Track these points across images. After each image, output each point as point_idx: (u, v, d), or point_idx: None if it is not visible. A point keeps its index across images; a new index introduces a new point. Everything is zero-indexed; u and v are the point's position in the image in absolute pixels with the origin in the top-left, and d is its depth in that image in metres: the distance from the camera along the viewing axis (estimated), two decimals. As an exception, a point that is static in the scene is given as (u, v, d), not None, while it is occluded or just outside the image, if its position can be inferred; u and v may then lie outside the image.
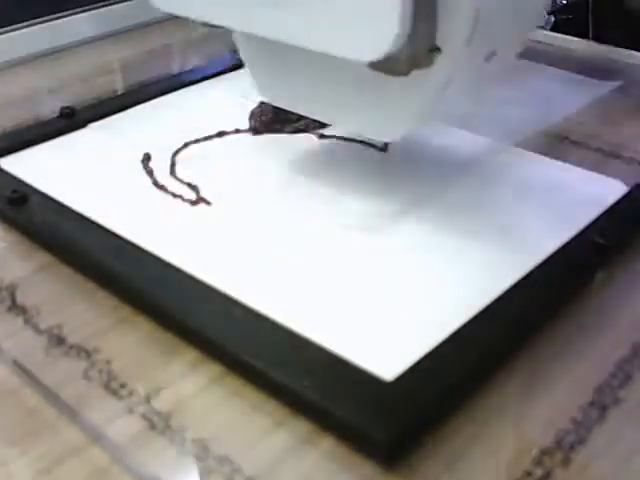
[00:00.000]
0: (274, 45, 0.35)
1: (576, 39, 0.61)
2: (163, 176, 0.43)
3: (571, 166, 0.43)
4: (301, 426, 0.28)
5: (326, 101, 0.40)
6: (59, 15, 0.64)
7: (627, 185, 0.41)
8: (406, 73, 0.33)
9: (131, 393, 0.30)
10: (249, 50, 0.42)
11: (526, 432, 0.28)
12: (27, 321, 0.34)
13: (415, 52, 0.33)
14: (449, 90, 0.36)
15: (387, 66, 0.33)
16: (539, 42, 0.62)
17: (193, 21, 0.38)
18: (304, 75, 0.39)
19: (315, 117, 0.42)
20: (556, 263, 0.35)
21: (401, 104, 0.37)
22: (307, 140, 0.46)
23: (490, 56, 0.37)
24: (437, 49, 0.33)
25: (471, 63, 0.36)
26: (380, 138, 0.42)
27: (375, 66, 0.33)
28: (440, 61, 0.33)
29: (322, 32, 0.33)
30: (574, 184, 0.42)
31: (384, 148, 0.45)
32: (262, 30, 0.35)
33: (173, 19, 0.69)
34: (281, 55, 0.39)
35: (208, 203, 0.40)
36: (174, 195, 0.41)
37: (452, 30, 0.33)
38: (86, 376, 0.31)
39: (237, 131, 0.47)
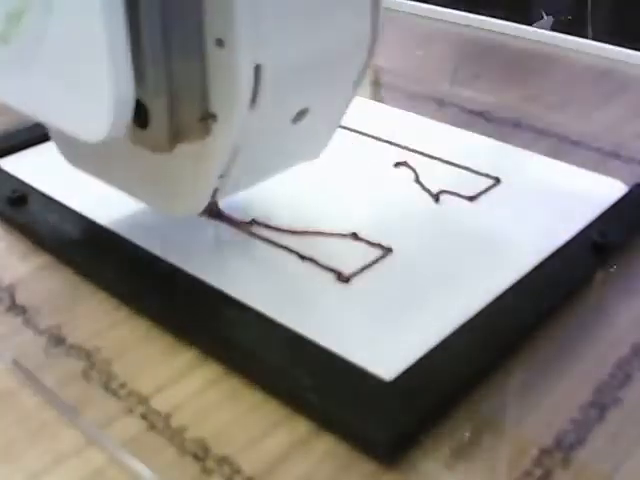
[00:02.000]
0: None
1: (576, 39, 0.61)
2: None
3: (571, 166, 0.43)
4: (301, 426, 0.28)
5: (122, 172, 0.36)
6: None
7: (627, 185, 0.41)
8: (169, 149, 0.29)
9: (131, 393, 0.30)
10: None
11: (526, 432, 0.28)
12: (27, 321, 0.34)
13: (178, 123, 0.28)
14: (244, 159, 0.31)
15: (146, 139, 0.29)
16: (538, 42, 0.62)
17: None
18: (103, 145, 0.31)
19: (116, 188, 0.37)
20: (556, 263, 0.35)
21: (185, 180, 0.32)
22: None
23: (300, 116, 0.32)
24: (211, 116, 0.29)
25: (270, 126, 0.31)
26: (172, 213, 0.36)
27: (133, 140, 0.29)
28: (219, 130, 0.29)
29: (50, 105, 0.29)
30: (574, 184, 0.42)
31: None
32: (7, 97, 0.32)
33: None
34: None
35: (213, 205, 0.40)
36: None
37: (228, 93, 0.28)
38: (86, 376, 0.31)
39: None
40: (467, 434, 0.28)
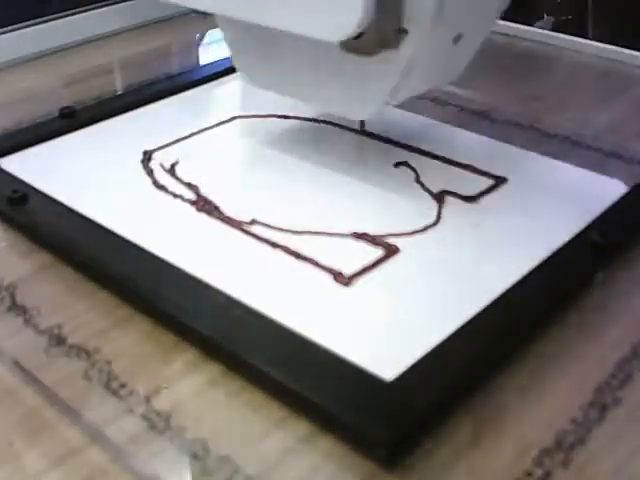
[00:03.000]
0: (256, 30, 0.38)
1: (576, 39, 0.61)
2: (163, 176, 0.43)
3: (571, 166, 0.43)
4: (301, 426, 0.28)
5: (304, 83, 0.42)
6: (59, 15, 0.64)
7: (627, 185, 0.41)
8: (374, 53, 0.36)
9: (131, 393, 0.30)
10: (232, 35, 0.44)
11: (526, 432, 0.28)
12: (27, 321, 0.34)
13: (382, 34, 0.35)
14: (416, 70, 0.38)
15: (356, 47, 0.35)
16: (539, 42, 0.62)
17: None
18: (285, 59, 0.42)
19: (294, 98, 0.44)
20: (556, 263, 0.35)
21: (370, 84, 0.39)
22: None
23: (457, 39, 0.39)
24: (404, 31, 0.36)
25: (438, 45, 0.38)
26: (352, 117, 0.44)
27: (345, 47, 0.36)
28: (407, 42, 0.36)
29: (294, 13, 0.35)
30: (574, 184, 0.42)
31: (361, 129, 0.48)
32: (238, 12, 0.38)
33: (172, 19, 0.69)
34: (263, 40, 0.41)
35: (213, 206, 0.40)
36: (174, 195, 0.41)
37: (417, 13, 0.35)
38: (86, 376, 0.31)
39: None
40: (467, 434, 0.28)
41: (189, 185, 0.42)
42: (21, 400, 0.30)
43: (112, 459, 0.27)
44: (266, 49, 0.42)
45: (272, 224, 0.38)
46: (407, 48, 0.36)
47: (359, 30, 0.34)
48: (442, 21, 0.36)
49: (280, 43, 0.41)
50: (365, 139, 0.47)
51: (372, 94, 0.39)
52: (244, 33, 0.43)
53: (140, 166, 0.44)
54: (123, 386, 0.30)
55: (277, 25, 0.37)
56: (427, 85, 0.43)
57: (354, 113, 0.42)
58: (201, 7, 0.41)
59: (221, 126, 0.49)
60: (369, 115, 0.42)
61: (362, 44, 0.35)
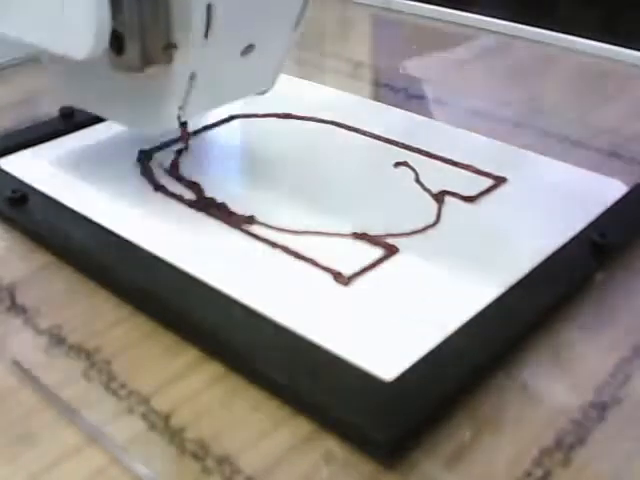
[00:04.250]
0: None
1: (576, 39, 0.61)
2: (162, 176, 0.43)
3: (571, 166, 0.43)
4: (301, 426, 0.28)
5: (102, 99, 0.41)
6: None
7: (627, 185, 0.41)
8: (141, 70, 0.35)
9: (131, 393, 0.30)
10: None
11: (526, 432, 0.28)
12: (27, 321, 0.34)
13: (147, 49, 0.35)
14: (201, 84, 0.37)
15: (122, 63, 0.35)
16: (539, 42, 0.62)
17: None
18: (85, 74, 0.40)
19: (97, 114, 0.43)
20: (556, 263, 0.35)
21: (153, 100, 0.38)
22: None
23: (248, 50, 0.39)
24: (173, 46, 0.35)
25: (221, 58, 0.38)
26: (147, 132, 0.43)
27: (112, 63, 0.35)
28: (179, 57, 0.35)
29: (39, 27, 0.35)
30: (574, 184, 0.42)
31: None
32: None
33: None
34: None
35: (212, 205, 0.40)
36: (173, 195, 0.41)
37: (186, 26, 0.34)
38: (86, 376, 0.31)
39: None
40: (467, 434, 0.28)
41: (188, 185, 0.42)
42: (21, 400, 0.30)
43: (112, 459, 0.27)
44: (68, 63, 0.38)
45: (272, 224, 0.38)
46: (180, 63, 0.36)
47: (98, 49, 0.33)
48: (220, 33, 0.35)
49: None
50: (365, 139, 0.47)
51: (158, 110, 0.39)
52: None
53: (139, 166, 0.44)
54: (123, 386, 0.30)
55: (20, 37, 0.36)
56: (223, 99, 0.42)
57: (148, 129, 0.41)
58: None
59: (220, 126, 0.49)
60: (161, 130, 0.42)
61: (127, 61, 0.35)
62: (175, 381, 0.30)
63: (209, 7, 0.35)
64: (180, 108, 0.38)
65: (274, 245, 0.37)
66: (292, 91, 0.52)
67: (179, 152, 0.45)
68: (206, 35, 0.35)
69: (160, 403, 0.29)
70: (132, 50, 0.34)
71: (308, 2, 0.40)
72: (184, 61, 0.36)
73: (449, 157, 0.44)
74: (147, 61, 0.35)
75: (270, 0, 0.38)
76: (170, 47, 0.35)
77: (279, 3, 0.39)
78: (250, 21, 0.38)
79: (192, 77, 0.37)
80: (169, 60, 0.35)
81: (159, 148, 0.45)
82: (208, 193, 0.41)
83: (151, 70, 0.35)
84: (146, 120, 0.40)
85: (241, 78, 0.41)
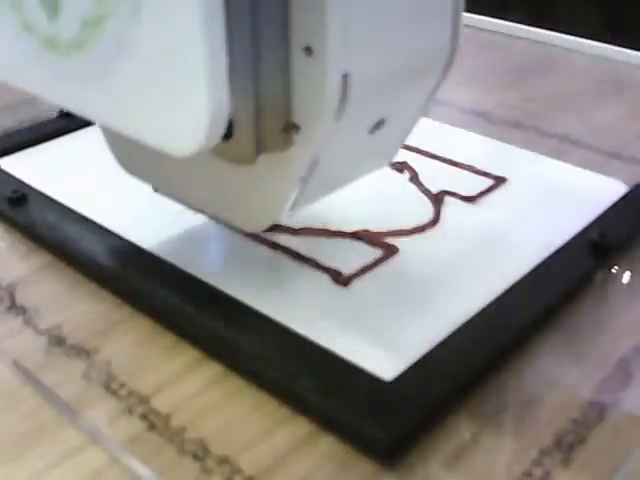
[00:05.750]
0: None
1: (577, 39, 0.61)
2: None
3: (571, 166, 0.43)
4: (301, 426, 0.28)
5: (185, 181, 0.34)
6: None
7: (627, 185, 0.41)
8: (252, 160, 0.28)
9: (131, 393, 0.30)
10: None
11: (526, 432, 0.28)
12: (27, 321, 0.34)
13: (261, 134, 0.27)
14: (320, 171, 0.30)
15: (229, 153, 0.28)
16: (539, 42, 0.62)
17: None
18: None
19: (178, 202, 0.36)
20: (556, 263, 0.35)
21: (261, 193, 0.31)
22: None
23: (378, 126, 0.31)
24: (295, 126, 0.28)
25: (348, 137, 0.30)
26: (246, 228, 0.35)
27: (217, 153, 0.28)
28: (301, 141, 0.28)
29: (129, 116, 0.27)
30: (574, 184, 0.42)
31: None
32: (67, 103, 0.31)
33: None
34: None
35: None
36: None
37: (316, 101, 0.27)
38: (86, 376, 0.31)
39: None
40: (467, 434, 0.28)
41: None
42: (21, 400, 0.30)
43: (112, 459, 0.27)
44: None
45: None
46: (302, 147, 0.28)
47: (211, 143, 0.25)
48: (352, 109, 0.27)
49: None
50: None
51: (268, 207, 0.32)
52: None
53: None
54: (123, 386, 0.30)
55: (107, 123, 0.29)
56: (339, 185, 0.34)
57: (246, 225, 0.34)
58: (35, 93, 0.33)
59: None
60: (265, 227, 0.34)
61: (235, 149, 0.27)
62: (175, 381, 0.30)
63: (345, 77, 0.27)
64: (295, 200, 0.31)
65: (274, 245, 0.37)
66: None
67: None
68: (339, 112, 0.27)
69: (160, 403, 0.29)
70: (243, 135, 0.27)
71: (450, 68, 0.32)
72: (306, 145, 0.28)
73: (449, 157, 0.44)
74: (260, 148, 0.28)
75: (409, 67, 0.30)
76: (290, 128, 0.27)
77: (419, 70, 0.31)
78: (386, 93, 0.30)
79: (314, 164, 0.29)
80: (288, 145, 0.28)
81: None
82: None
83: (263, 158, 0.28)
84: (245, 217, 0.33)
85: (364, 158, 0.34)
